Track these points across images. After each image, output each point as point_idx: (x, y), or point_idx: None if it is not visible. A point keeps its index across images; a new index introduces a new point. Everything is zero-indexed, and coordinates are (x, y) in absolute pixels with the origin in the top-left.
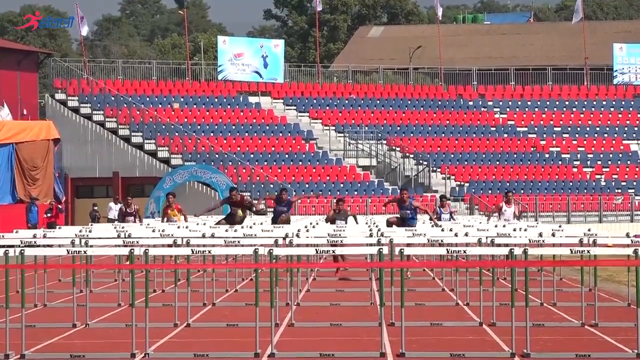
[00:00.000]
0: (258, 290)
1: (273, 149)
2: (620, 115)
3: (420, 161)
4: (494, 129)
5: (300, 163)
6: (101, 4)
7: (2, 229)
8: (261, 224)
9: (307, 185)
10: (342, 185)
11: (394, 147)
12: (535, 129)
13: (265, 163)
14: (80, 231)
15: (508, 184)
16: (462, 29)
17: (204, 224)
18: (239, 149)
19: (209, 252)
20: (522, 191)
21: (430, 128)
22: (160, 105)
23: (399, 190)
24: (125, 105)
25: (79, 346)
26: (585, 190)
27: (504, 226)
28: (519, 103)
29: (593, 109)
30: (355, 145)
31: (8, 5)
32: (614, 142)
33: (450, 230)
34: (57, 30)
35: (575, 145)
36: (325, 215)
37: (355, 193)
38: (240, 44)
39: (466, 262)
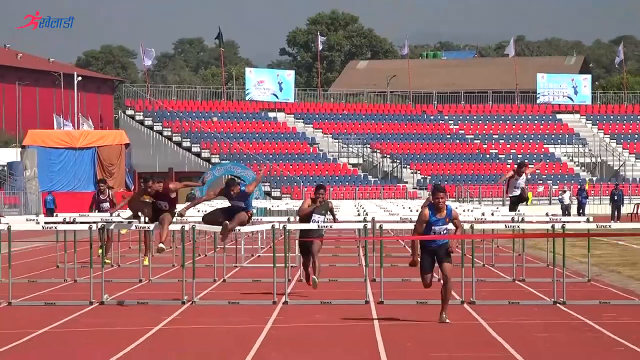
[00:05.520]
0: (275, 254)
1: (286, 151)
2: (542, 126)
3: (395, 160)
4: (449, 136)
5: (306, 161)
6: (160, 44)
7: (87, 210)
8: None
9: (310, 178)
10: (337, 178)
11: (375, 150)
12: (480, 136)
13: (281, 161)
14: None
15: (459, 177)
16: (425, 62)
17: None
18: (261, 151)
19: (239, 230)
20: (469, 182)
21: (402, 135)
22: (203, 119)
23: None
24: (177, 119)
25: (144, 296)
26: None
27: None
28: (468, 117)
29: (522, 122)
30: (347, 148)
31: (91, 46)
32: (537, 146)
33: (417, 211)
34: (127, 63)
35: (509, 148)
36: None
37: (347, 184)
38: (262, 73)
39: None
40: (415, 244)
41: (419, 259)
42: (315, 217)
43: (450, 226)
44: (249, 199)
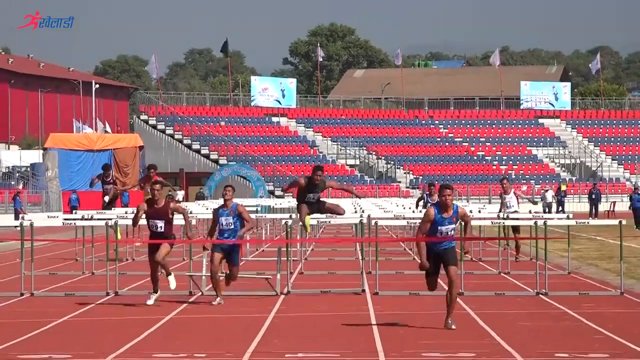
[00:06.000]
0: (280, 249)
1: (289, 153)
2: (525, 130)
3: (389, 161)
4: (439, 139)
5: (307, 163)
6: (172, 54)
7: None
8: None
9: None
10: (335, 178)
11: (371, 152)
12: (468, 139)
13: (283, 162)
14: None
15: (449, 177)
16: (417, 71)
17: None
18: (265, 153)
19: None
20: (458, 182)
21: (396, 139)
22: (212, 123)
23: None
24: (188, 123)
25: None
26: None
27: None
28: (457, 122)
29: (506, 126)
30: (344, 150)
31: (107, 55)
32: (520, 148)
33: (409, 207)
34: (141, 72)
35: (495, 150)
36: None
37: (345, 183)
38: (266, 81)
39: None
40: (421, 246)
41: (427, 263)
42: (311, 195)
43: (452, 226)
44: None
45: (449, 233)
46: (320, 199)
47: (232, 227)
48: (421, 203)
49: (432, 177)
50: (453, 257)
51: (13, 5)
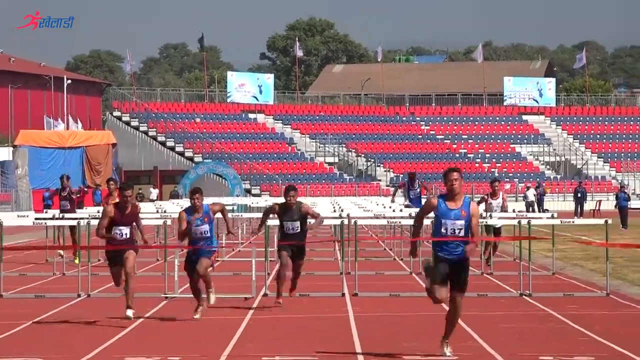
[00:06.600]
0: (255, 249)
1: (266, 150)
2: (508, 127)
3: (369, 159)
4: (420, 136)
5: (285, 160)
6: (146, 48)
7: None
8: None
9: (289, 176)
10: (314, 176)
11: (350, 149)
12: (450, 136)
13: (260, 160)
14: None
15: (431, 175)
16: (398, 66)
17: None
18: (242, 150)
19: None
20: (440, 180)
21: (376, 136)
22: (187, 120)
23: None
24: (162, 120)
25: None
26: (484, 179)
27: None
28: (438, 118)
29: (490, 123)
30: (323, 147)
31: (80, 50)
32: (504, 145)
33: (390, 207)
34: (115, 67)
35: (477, 148)
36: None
37: (323, 182)
38: (243, 77)
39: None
40: (415, 244)
41: (418, 255)
42: (288, 224)
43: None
44: (212, 223)
45: (456, 232)
46: (304, 230)
47: (208, 234)
48: (399, 192)
49: None
50: (462, 282)
51: (13, 5)
